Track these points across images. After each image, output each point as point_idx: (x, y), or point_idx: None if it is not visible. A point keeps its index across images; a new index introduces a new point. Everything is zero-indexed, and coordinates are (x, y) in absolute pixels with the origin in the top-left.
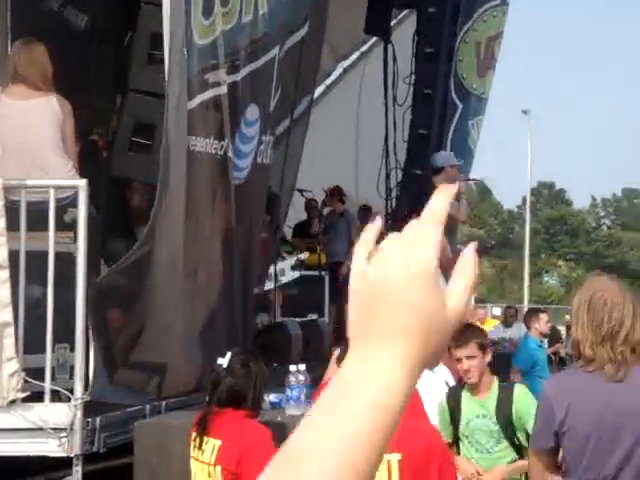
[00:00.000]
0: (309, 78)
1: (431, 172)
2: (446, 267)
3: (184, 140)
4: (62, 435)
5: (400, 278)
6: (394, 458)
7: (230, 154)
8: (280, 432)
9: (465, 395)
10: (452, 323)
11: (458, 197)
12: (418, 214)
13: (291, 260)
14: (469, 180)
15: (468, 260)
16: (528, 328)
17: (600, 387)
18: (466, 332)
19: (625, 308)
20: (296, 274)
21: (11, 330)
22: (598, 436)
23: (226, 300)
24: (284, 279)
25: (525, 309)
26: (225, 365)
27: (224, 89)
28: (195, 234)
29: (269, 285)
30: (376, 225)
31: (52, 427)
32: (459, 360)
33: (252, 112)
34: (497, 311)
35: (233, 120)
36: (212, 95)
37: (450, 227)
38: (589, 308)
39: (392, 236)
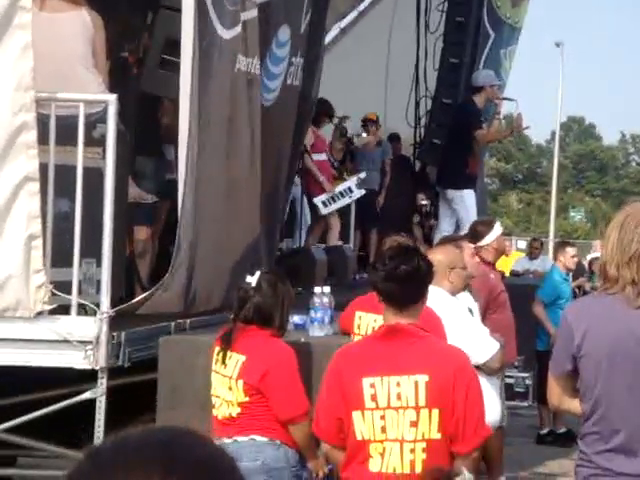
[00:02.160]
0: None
1: (470, 90)
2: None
3: (209, 59)
4: (88, 348)
5: None
6: (421, 379)
7: (259, 73)
8: (304, 353)
9: None
10: None
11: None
12: (450, 145)
13: (353, 179)
14: (505, 99)
15: None
16: (555, 260)
17: (619, 311)
18: None
19: None
20: (362, 191)
21: (39, 242)
22: (613, 359)
23: (252, 222)
24: (354, 196)
25: (551, 243)
26: (254, 284)
27: (255, 11)
28: (226, 155)
29: (336, 206)
30: None
31: (78, 340)
32: None
33: (284, 33)
34: (522, 244)
35: (264, 40)
36: (253, 15)
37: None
38: (620, 229)
39: None
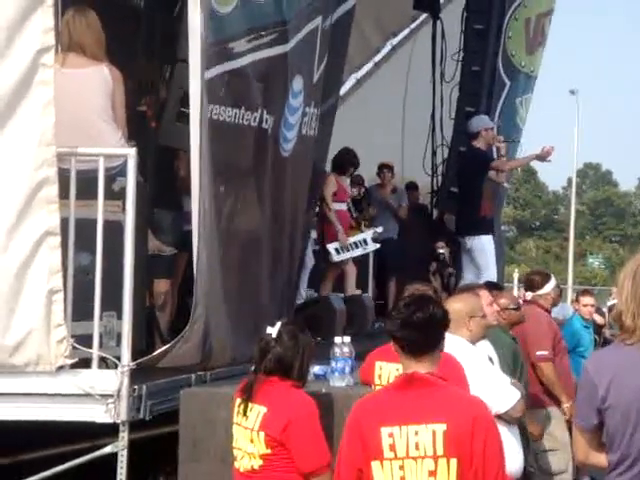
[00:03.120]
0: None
1: (469, 137)
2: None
3: (204, 109)
4: (109, 401)
5: None
6: (439, 428)
7: (265, 126)
8: (325, 403)
9: None
10: None
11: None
12: (462, 192)
13: (370, 232)
14: (506, 141)
15: None
16: (576, 309)
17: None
18: None
19: None
20: (377, 245)
21: (60, 296)
22: None
23: (270, 274)
24: (368, 248)
25: (569, 290)
26: (274, 335)
27: (245, 60)
28: (234, 206)
29: (348, 255)
30: None
31: (99, 393)
32: None
33: (297, 83)
34: None
35: (281, 92)
36: (239, 65)
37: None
38: (634, 278)
39: None
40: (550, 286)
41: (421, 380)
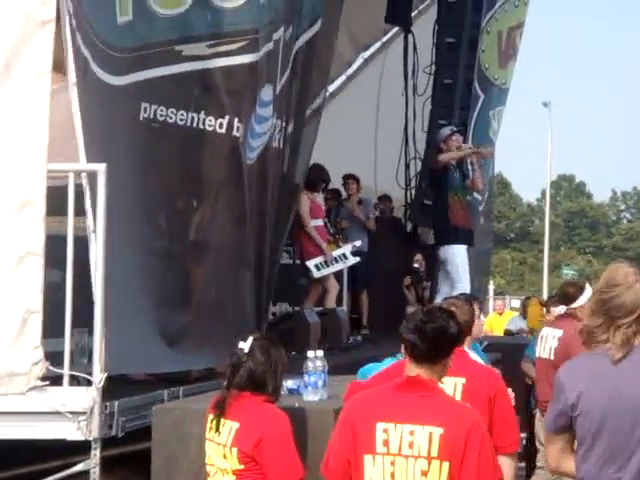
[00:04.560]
0: (326, 69)
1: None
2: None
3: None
4: (81, 419)
5: None
6: (436, 431)
7: (237, 133)
8: (298, 418)
9: None
10: None
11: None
12: (436, 205)
13: (349, 246)
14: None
15: None
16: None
17: (609, 370)
18: None
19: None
20: (357, 259)
21: (37, 318)
22: (610, 419)
23: (238, 288)
24: (348, 262)
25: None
26: (246, 350)
27: (205, 65)
28: (197, 213)
29: (329, 270)
30: None
31: (71, 411)
32: None
33: (267, 93)
34: (516, 303)
35: (251, 100)
36: (196, 68)
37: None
38: (606, 291)
39: None
40: (586, 297)
41: (421, 383)
